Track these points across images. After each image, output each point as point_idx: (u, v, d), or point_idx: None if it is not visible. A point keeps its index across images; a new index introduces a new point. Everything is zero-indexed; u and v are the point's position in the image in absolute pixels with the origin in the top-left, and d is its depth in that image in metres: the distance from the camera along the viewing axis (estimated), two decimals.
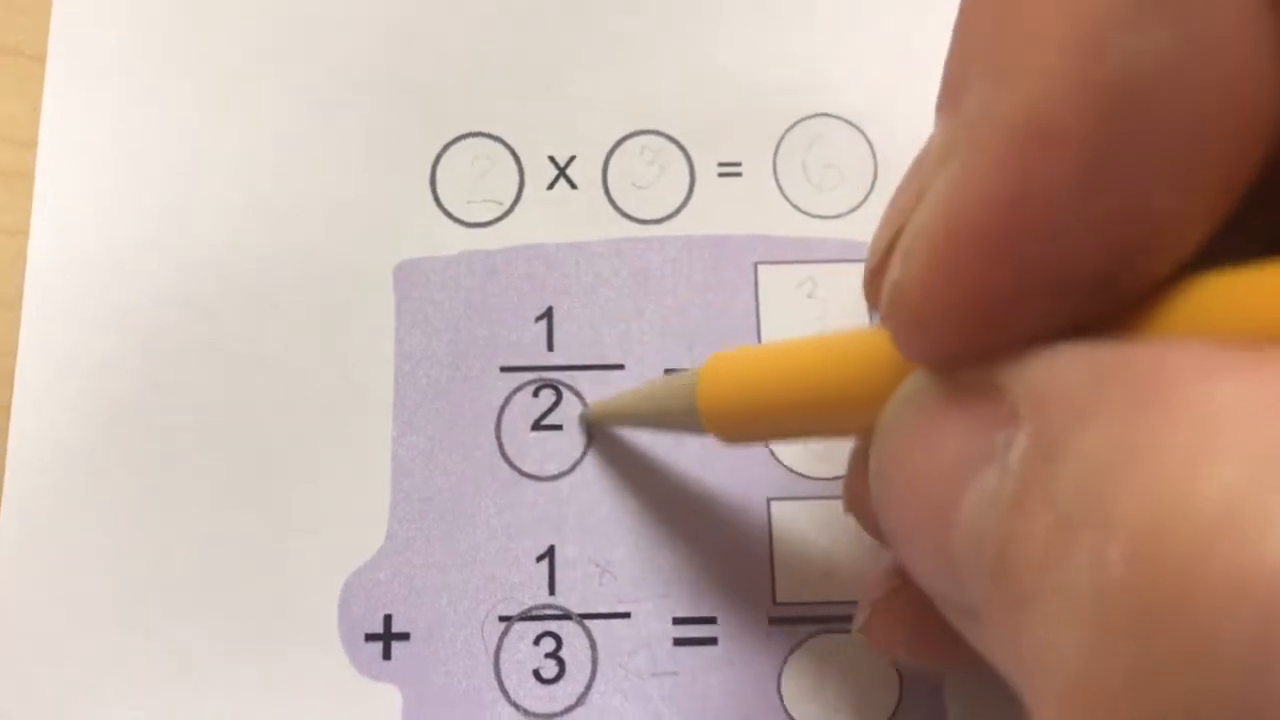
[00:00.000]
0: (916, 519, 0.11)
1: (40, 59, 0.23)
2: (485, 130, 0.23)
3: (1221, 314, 0.10)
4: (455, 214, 0.22)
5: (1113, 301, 0.10)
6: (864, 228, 0.21)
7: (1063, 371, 0.10)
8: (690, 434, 0.18)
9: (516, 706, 0.20)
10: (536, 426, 0.21)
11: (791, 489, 0.21)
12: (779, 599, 0.20)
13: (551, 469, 0.21)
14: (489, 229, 0.22)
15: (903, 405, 0.12)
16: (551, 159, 0.22)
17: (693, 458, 0.21)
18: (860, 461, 0.16)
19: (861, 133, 0.23)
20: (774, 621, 0.20)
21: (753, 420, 0.16)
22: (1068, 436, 0.09)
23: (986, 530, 0.10)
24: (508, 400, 0.21)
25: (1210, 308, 0.10)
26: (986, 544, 0.10)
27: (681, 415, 0.17)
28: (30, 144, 0.22)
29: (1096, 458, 0.09)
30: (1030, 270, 0.10)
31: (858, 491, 0.16)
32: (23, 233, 0.22)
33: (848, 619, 0.20)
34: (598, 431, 0.21)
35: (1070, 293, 0.10)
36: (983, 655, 0.11)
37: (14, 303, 0.21)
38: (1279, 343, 0.09)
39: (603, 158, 0.22)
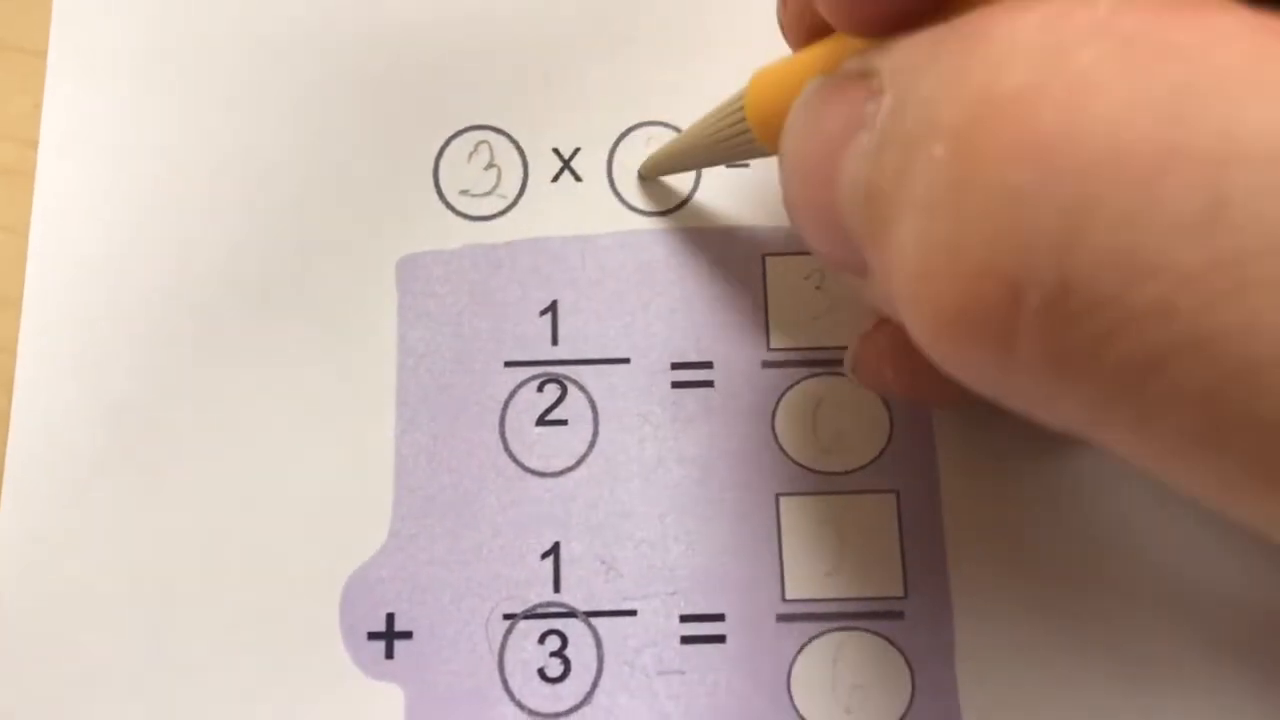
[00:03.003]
0: (809, 188, 0.13)
1: (42, 55, 0.22)
2: (489, 123, 0.22)
3: None
4: (459, 207, 0.22)
5: None
6: None
7: (915, 44, 0.11)
8: (743, 158, 0.19)
9: (521, 706, 0.19)
10: (541, 421, 0.21)
11: (800, 484, 0.20)
12: (788, 596, 0.20)
13: (556, 465, 0.21)
14: (493, 222, 0.22)
15: (798, 103, 0.14)
16: (556, 151, 0.22)
17: (701, 453, 0.21)
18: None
19: None
20: (783, 619, 0.20)
21: None
22: (912, 87, 0.11)
23: (860, 180, 0.12)
24: (512, 395, 0.21)
25: None
26: (861, 191, 0.12)
27: (732, 130, 0.18)
28: (31, 141, 0.22)
29: (930, 93, 0.11)
30: None
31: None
32: (23, 230, 0.21)
33: (858, 616, 0.20)
34: (604, 425, 0.21)
35: None
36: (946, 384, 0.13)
37: (14, 300, 0.21)
38: None
39: (608, 149, 0.22)
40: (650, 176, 0.22)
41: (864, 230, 0.12)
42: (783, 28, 0.17)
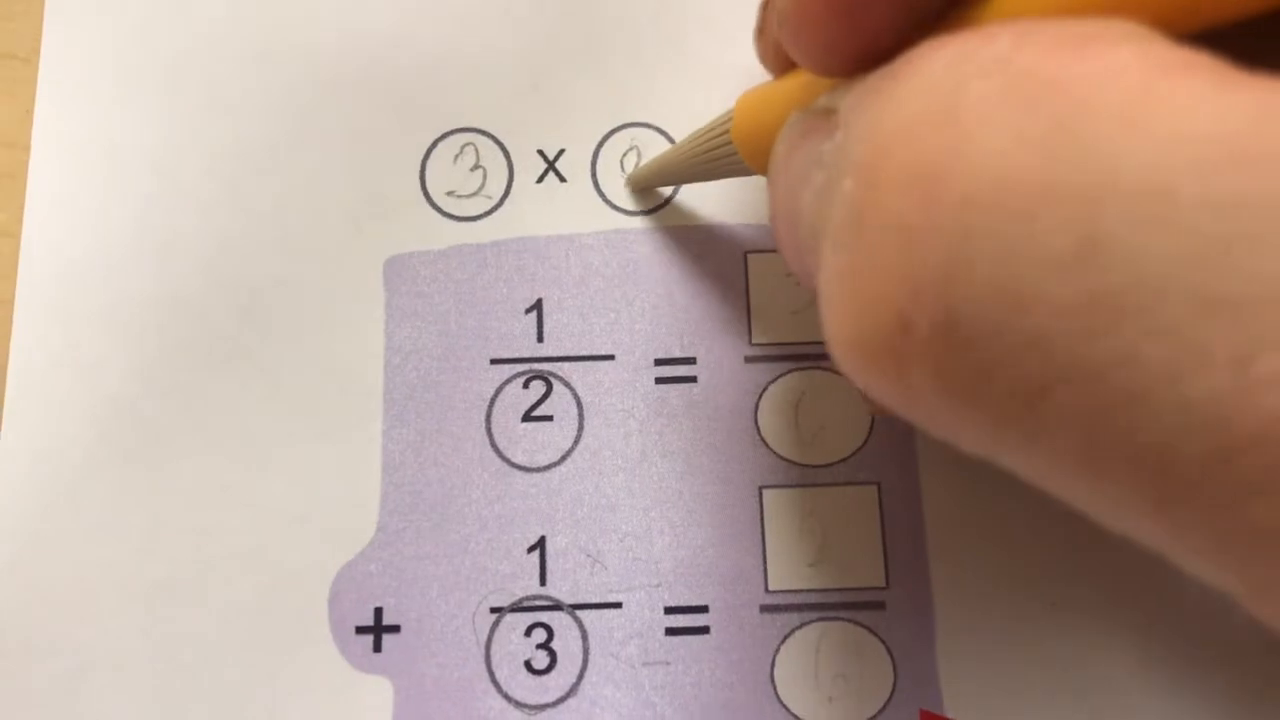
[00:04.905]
0: (782, 223, 0.13)
1: (33, 62, 0.23)
2: (474, 125, 0.23)
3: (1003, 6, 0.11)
4: (445, 208, 0.22)
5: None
6: None
7: (865, 84, 0.12)
8: (729, 176, 0.19)
9: (508, 698, 0.20)
10: (527, 418, 0.21)
11: (783, 477, 0.21)
12: (771, 587, 0.20)
13: (542, 460, 0.21)
14: (479, 222, 0.22)
15: (779, 139, 0.14)
16: (540, 153, 0.22)
17: (685, 447, 0.21)
18: None
19: None
20: (766, 609, 0.20)
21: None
22: (851, 125, 0.11)
23: (810, 215, 0.12)
24: (498, 392, 0.21)
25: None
26: (809, 226, 0.12)
27: (718, 150, 0.18)
28: (23, 146, 0.22)
29: (856, 130, 0.11)
30: None
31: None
32: (15, 233, 0.22)
33: (840, 607, 0.20)
34: (589, 420, 0.21)
35: None
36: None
37: (6, 301, 0.21)
38: (1005, 22, 0.10)
39: (591, 150, 0.22)
40: (636, 189, 0.22)
41: (812, 263, 0.12)
42: (760, 57, 0.17)
